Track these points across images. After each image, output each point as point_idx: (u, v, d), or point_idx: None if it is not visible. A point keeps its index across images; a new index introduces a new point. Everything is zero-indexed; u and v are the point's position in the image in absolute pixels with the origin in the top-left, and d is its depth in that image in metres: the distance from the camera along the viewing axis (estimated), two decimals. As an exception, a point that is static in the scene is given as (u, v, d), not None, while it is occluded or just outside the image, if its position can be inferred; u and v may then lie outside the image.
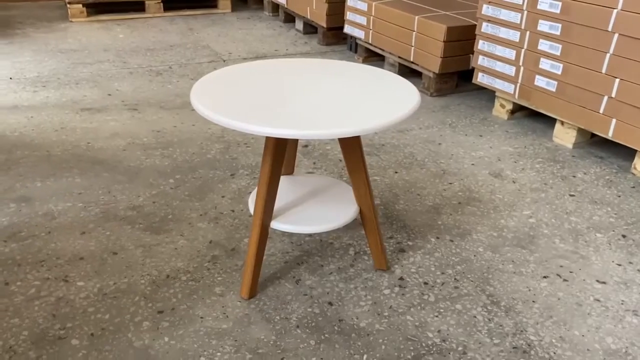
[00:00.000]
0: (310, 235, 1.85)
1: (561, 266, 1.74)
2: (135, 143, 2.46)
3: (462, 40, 2.94)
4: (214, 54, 3.77)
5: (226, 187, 2.13)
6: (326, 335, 1.45)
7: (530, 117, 2.85)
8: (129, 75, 3.29)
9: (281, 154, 1.43)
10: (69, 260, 1.69)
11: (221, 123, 1.28)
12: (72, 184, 2.11)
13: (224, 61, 3.63)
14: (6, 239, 1.78)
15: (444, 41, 2.90)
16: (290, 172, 1.80)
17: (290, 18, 4.67)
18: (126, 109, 2.80)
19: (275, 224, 1.52)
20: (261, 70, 1.61)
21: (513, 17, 2.56)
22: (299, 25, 4.41)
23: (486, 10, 2.69)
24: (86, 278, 1.62)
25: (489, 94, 3.15)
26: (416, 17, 3.07)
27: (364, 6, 3.51)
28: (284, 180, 1.73)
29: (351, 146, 1.50)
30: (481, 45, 2.77)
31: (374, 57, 3.70)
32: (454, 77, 3.13)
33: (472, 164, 2.37)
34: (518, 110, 2.82)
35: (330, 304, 1.56)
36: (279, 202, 1.62)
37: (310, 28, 4.35)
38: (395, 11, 3.23)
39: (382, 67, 3.58)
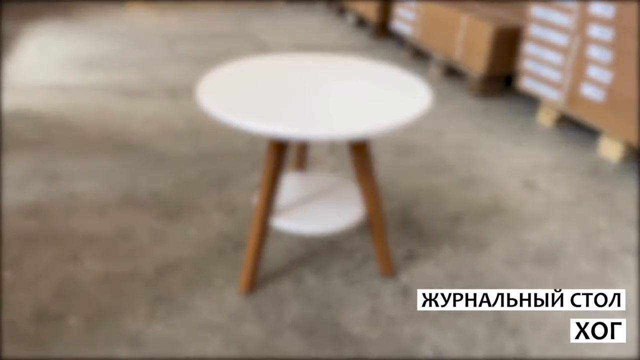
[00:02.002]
0: (328, 234, 1.82)
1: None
2: (168, 129, 2.50)
3: (510, 42, 2.81)
4: (261, 44, 3.79)
5: (246, 180, 2.13)
6: (317, 339, 1.42)
7: (577, 126, 2.70)
8: (175, 61, 3.35)
9: (283, 152, 1.41)
10: (82, 240, 1.74)
11: (220, 118, 1.26)
12: (100, 166, 2.17)
13: (270, 51, 3.64)
14: (29, 214, 1.85)
15: (490, 42, 2.78)
16: (301, 168, 1.78)
17: (343, 11, 4.63)
18: (165, 95, 2.86)
19: (276, 222, 1.50)
20: (276, 66, 1.59)
21: (563, 20, 2.42)
22: (351, 18, 4.36)
23: (535, 11, 2.55)
24: (95, 259, 1.66)
25: (535, 100, 3.01)
26: (464, 16, 2.96)
27: (412, 2, 3.42)
28: (293, 177, 1.71)
29: (359, 149, 1.45)
30: (528, 48, 2.64)
31: (420, 55, 3.60)
32: (500, 79, 3.00)
33: (505, 172, 2.26)
34: (564, 118, 2.67)
35: (328, 307, 1.53)
36: (284, 200, 1.60)
37: (361, 22, 4.30)
38: (443, 8, 3.13)
39: (428, 65, 3.48)
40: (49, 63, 3.22)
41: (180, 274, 1.62)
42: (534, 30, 2.58)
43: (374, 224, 1.56)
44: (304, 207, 1.56)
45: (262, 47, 3.71)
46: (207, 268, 1.65)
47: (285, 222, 1.50)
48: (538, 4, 2.53)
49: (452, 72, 3.29)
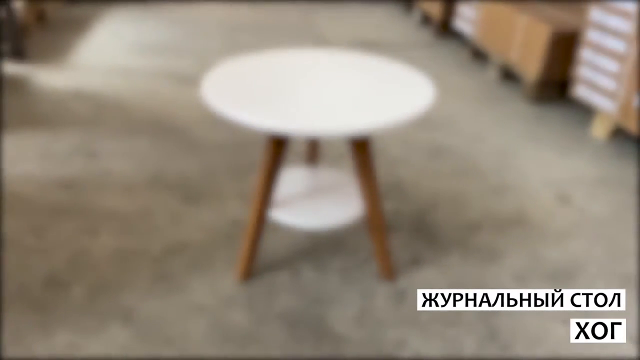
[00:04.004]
0: (328, 230, 1.83)
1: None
2: (208, 116, 2.59)
3: (568, 46, 2.66)
4: (321, 37, 3.81)
5: (271, 169, 2.16)
6: (300, 332, 1.43)
7: (634, 140, 2.51)
8: (231, 51, 3.45)
9: (282, 146, 1.42)
10: (104, 216, 1.85)
11: (220, 111, 1.30)
12: (138, 147, 2.29)
13: (328, 45, 3.65)
14: (64, 187, 1.99)
15: (547, 45, 2.64)
16: (312, 163, 1.79)
17: (410, 7, 4.55)
18: (215, 83, 2.95)
19: (273, 214, 1.53)
20: (284, 62, 1.61)
21: (621, 25, 2.25)
22: (417, 15, 4.28)
23: (594, 15, 2.39)
24: (111, 234, 1.76)
25: (592, 109, 2.82)
26: (523, 16, 2.83)
27: (474, 0, 3.31)
28: (301, 171, 1.72)
29: (359, 145, 1.44)
30: (585, 53, 2.48)
31: (480, 55, 3.48)
32: (557, 85, 2.84)
33: (540, 183, 2.16)
34: (619, 130, 2.50)
35: (318, 302, 1.53)
36: (286, 193, 1.62)
37: (426, 19, 4.21)
38: (504, 7, 3.00)
39: (486, 66, 3.36)
40: (116, 47, 3.42)
41: (185, 256, 1.69)
42: (591, 35, 2.43)
43: (372, 223, 1.55)
44: (304, 201, 1.58)
45: (320, 41, 3.73)
46: (212, 252, 1.70)
47: (282, 215, 1.52)
48: (597, 7, 2.37)
49: (510, 75, 3.16)
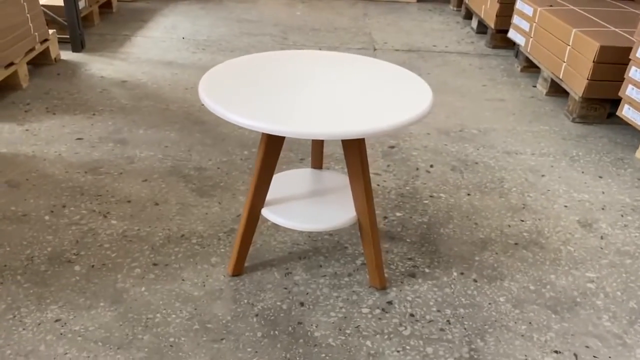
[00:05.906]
0: (330, 234, 1.82)
1: (587, 346, 1.44)
2: (241, 112, 2.64)
3: (617, 64, 2.50)
4: (370, 42, 3.79)
5: (288, 169, 2.18)
6: (276, 332, 1.44)
7: (683, 168, 2.33)
8: (280, 50, 3.50)
9: (274, 146, 1.43)
10: (118, 200, 1.93)
11: (214, 111, 1.32)
12: (165, 137, 2.37)
13: (375, 50, 3.63)
14: (87, 170, 2.09)
15: (594, 61, 2.50)
16: (318, 166, 1.79)
17: (470, 15, 4.44)
18: (254, 80, 3.01)
19: (265, 212, 1.54)
20: (286, 61, 1.61)
21: (672, 44, 2.10)
22: (474, 23, 4.17)
23: (645, 31, 2.24)
24: (121, 218, 1.84)
25: (646, 132, 2.65)
26: (573, 30, 2.69)
27: (529, 11, 3.18)
28: (304, 172, 1.72)
29: (352, 149, 1.43)
30: (633, 72, 2.33)
31: (532, 68, 3.34)
32: (606, 105, 2.69)
33: (565, 206, 2.05)
34: (666, 157, 2.33)
35: (302, 304, 1.53)
36: (287, 193, 1.62)
37: (483, 28, 4.09)
38: (556, 20, 2.87)
39: (535, 79, 3.22)
40: (169, 41, 3.55)
41: (184, 246, 1.73)
42: (640, 53, 2.28)
43: (363, 229, 1.53)
44: (302, 202, 1.57)
45: (369, 45, 3.71)
46: (211, 246, 1.74)
47: (278, 215, 1.52)
48: (648, 24, 2.22)
49: (558, 90, 3.01)
